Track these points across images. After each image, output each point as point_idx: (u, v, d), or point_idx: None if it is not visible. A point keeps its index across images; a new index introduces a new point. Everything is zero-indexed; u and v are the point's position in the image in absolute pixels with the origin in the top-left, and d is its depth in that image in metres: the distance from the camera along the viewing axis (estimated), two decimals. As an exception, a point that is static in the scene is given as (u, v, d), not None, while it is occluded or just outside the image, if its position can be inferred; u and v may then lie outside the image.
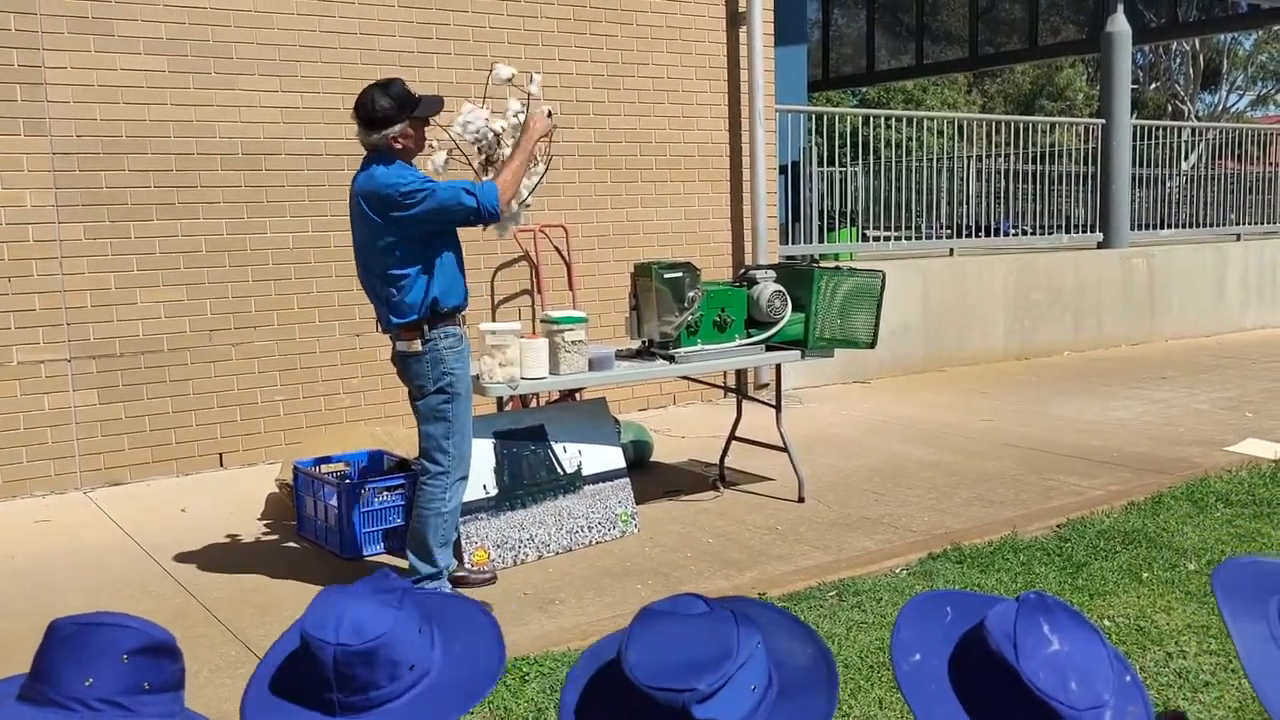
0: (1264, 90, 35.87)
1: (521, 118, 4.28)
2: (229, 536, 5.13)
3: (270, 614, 4.17)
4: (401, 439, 5.62)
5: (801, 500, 5.46)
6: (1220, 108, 34.20)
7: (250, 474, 6.24)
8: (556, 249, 7.37)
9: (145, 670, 1.31)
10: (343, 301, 6.68)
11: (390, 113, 3.89)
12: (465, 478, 4.18)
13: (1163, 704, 3.26)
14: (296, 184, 6.52)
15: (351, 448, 5.42)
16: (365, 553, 4.76)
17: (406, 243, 3.90)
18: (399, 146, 3.93)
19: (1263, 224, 12.64)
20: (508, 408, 5.18)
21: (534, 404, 5.72)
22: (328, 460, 5.22)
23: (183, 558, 4.84)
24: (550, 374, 4.73)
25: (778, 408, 5.57)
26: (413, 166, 4.00)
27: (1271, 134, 13.74)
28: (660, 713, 1.22)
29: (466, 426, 4.15)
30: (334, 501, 4.77)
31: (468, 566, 4.50)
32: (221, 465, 6.40)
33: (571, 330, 4.75)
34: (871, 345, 5.49)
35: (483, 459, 4.65)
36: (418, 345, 3.98)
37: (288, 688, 1.37)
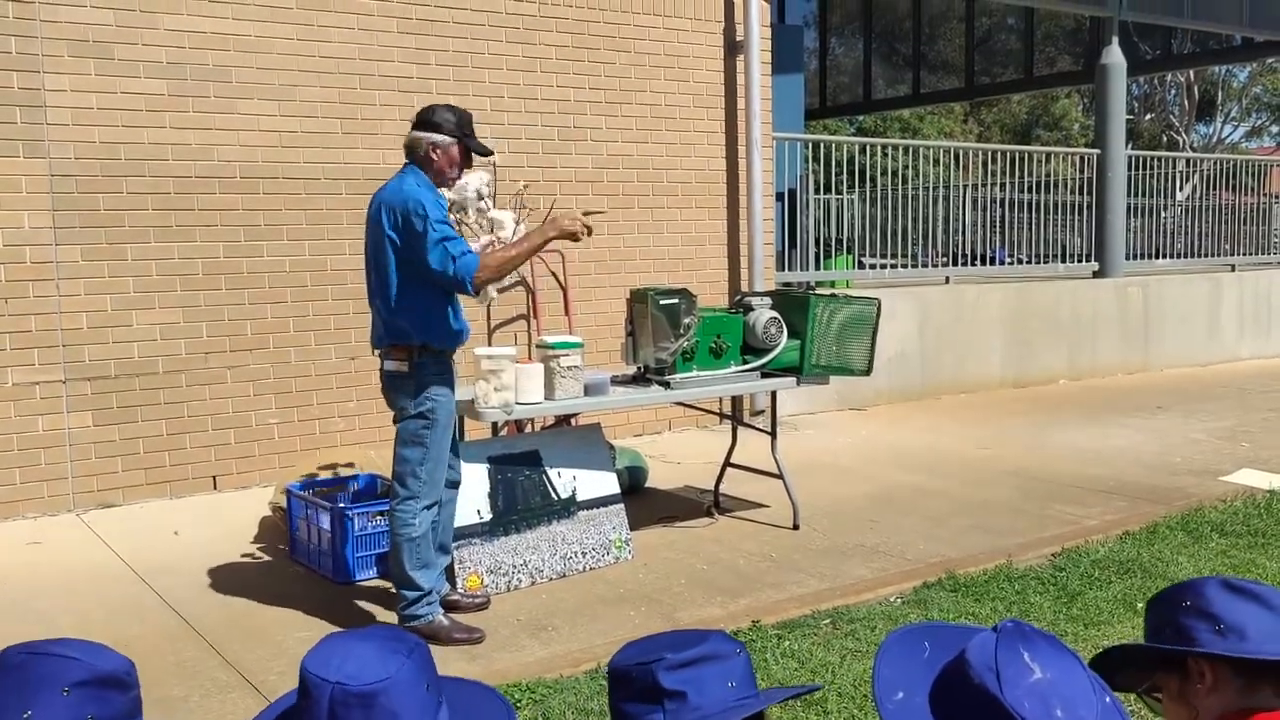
0: (1258, 122, 36.10)
1: (509, 230, 4.29)
2: (222, 560, 5.11)
3: (262, 638, 4.14)
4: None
5: (796, 527, 5.45)
6: (1215, 139, 34.40)
7: (244, 497, 6.22)
8: (553, 274, 7.38)
9: (88, 703, 1.27)
10: (338, 325, 6.69)
11: (447, 125, 3.97)
12: (433, 506, 4.10)
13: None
14: (294, 208, 6.54)
15: (345, 471, 5.40)
16: (357, 578, 4.74)
17: (411, 264, 3.89)
18: (434, 157, 3.97)
19: (1257, 254, 12.68)
20: (503, 433, 5.18)
21: (529, 429, 5.71)
22: (321, 484, 5.20)
23: (175, 581, 4.82)
24: (545, 399, 4.72)
25: (773, 434, 5.56)
26: (441, 194, 4.02)
27: (1266, 165, 13.81)
28: (635, 689, 1.31)
29: (442, 455, 4.10)
30: (327, 525, 4.75)
31: (460, 591, 4.48)
32: (215, 488, 6.38)
33: (567, 355, 4.75)
34: (867, 372, 5.50)
35: (477, 484, 4.64)
36: (405, 367, 3.98)
37: None
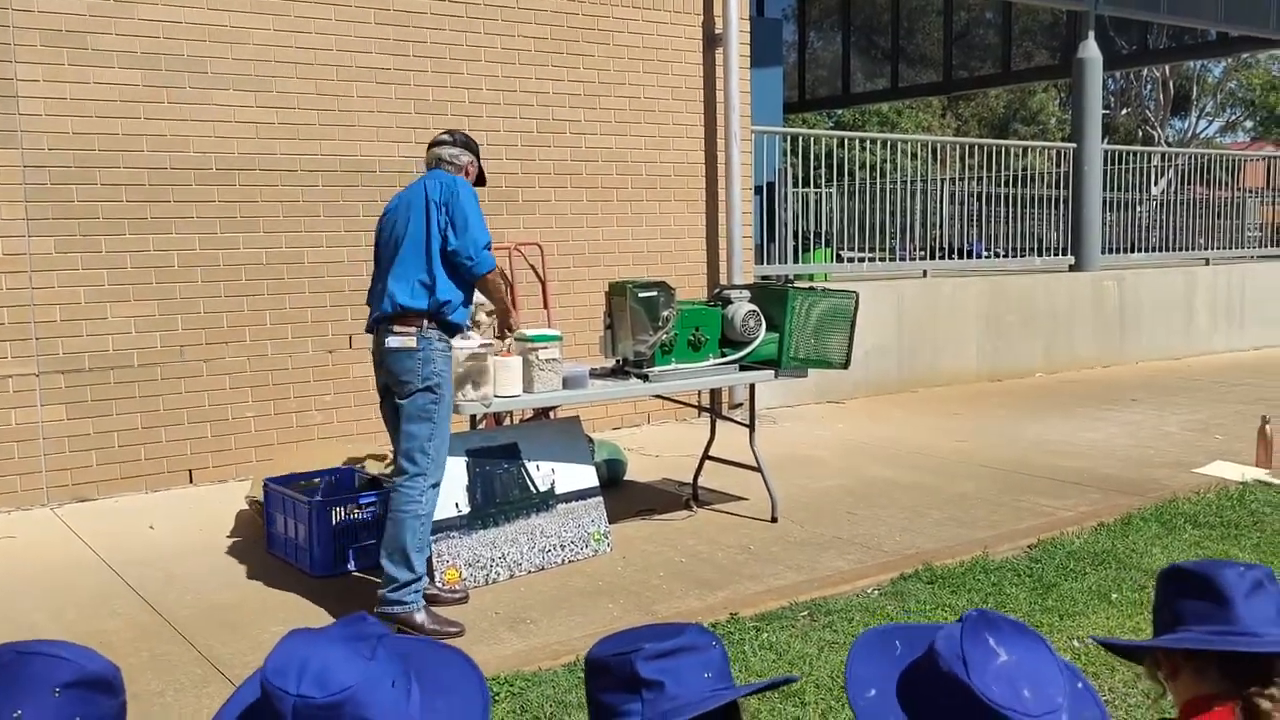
0: (1233, 117, 36.41)
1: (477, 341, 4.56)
2: (198, 554, 5.08)
3: (239, 632, 4.13)
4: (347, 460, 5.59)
5: (774, 520, 5.47)
6: (1190, 133, 34.66)
7: (220, 491, 6.18)
8: (531, 267, 7.36)
9: (77, 704, 1.25)
10: (316, 318, 6.65)
11: (475, 149, 4.51)
12: (438, 485, 4.20)
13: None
14: (270, 199, 6.50)
15: (323, 465, 5.38)
16: (336, 571, 4.72)
17: (444, 241, 4.13)
18: (469, 172, 4.42)
19: (1231, 248, 12.80)
20: (481, 426, 5.17)
21: (507, 422, 5.70)
22: (299, 477, 5.18)
23: (150, 575, 4.79)
24: (524, 392, 4.72)
25: (751, 427, 5.58)
26: None
27: (1240, 160, 13.93)
28: (614, 679, 1.33)
29: (447, 431, 4.19)
30: (305, 519, 4.74)
31: (439, 585, 4.47)
32: (191, 482, 6.34)
33: (546, 348, 4.74)
34: (845, 366, 5.51)
35: (455, 477, 4.63)
36: (412, 341, 4.08)
37: None
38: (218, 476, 6.40)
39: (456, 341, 4.31)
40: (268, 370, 6.54)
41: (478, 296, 4.53)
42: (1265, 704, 1.53)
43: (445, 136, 4.46)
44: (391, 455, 4.66)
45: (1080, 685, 1.40)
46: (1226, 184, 13.01)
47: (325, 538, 4.69)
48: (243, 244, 6.43)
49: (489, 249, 4.19)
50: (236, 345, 6.44)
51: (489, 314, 4.70)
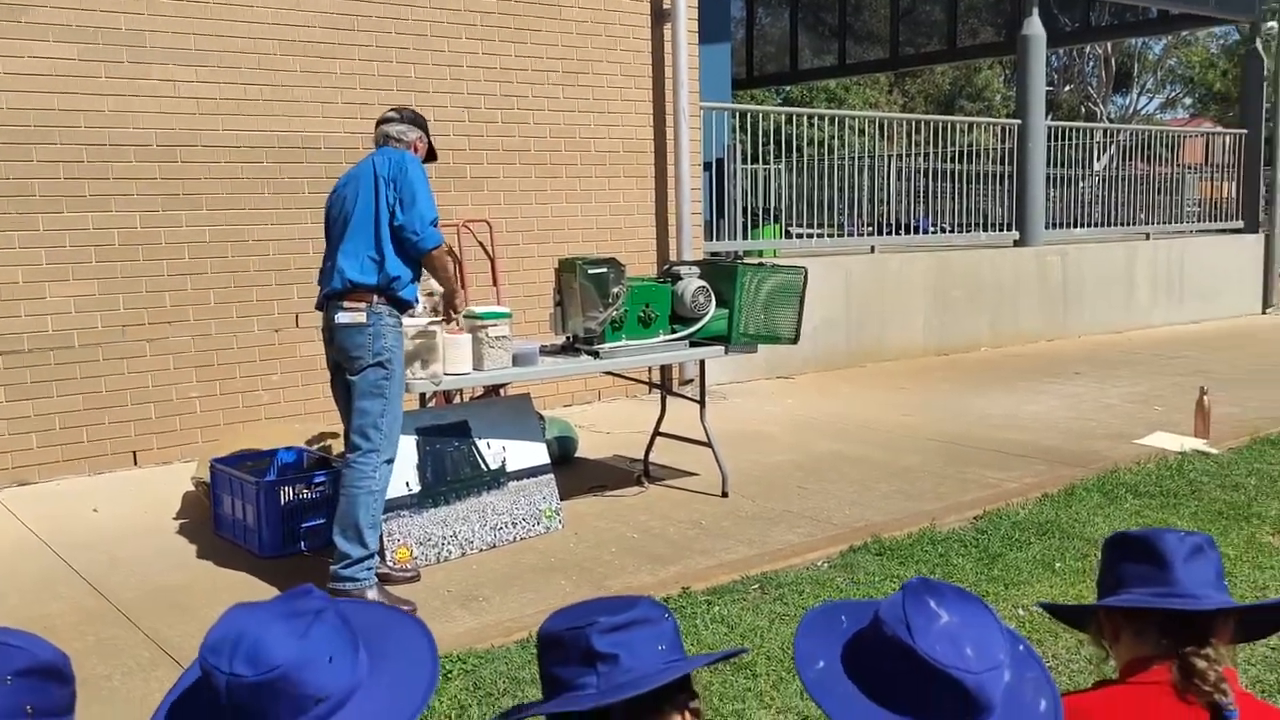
0: (1172, 94, 36.98)
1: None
2: (143, 536, 5.02)
3: (187, 614, 4.09)
4: (312, 438, 5.54)
5: (725, 495, 5.50)
6: (1131, 110, 35.17)
7: (165, 473, 6.10)
8: (480, 244, 7.32)
9: (26, 693, 1.23)
10: (261, 297, 6.57)
11: (424, 124, 4.49)
12: (392, 460, 4.19)
13: (1075, 689, 3.34)
14: (214, 176, 6.39)
15: (271, 445, 5.33)
16: (286, 552, 4.69)
17: (391, 230, 4.11)
18: (417, 148, 4.40)
19: (1170, 224, 13.02)
20: (431, 404, 5.14)
21: (457, 400, 5.68)
22: (246, 458, 5.12)
23: (94, 558, 4.72)
24: (474, 370, 4.70)
25: (701, 403, 5.60)
26: None
27: (1179, 136, 14.16)
28: (568, 653, 1.34)
29: (399, 407, 4.18)
30: (253, 499, 4.69)
31: (390, 564, 4.45)
32: (135, 464, 6.25)
33: (495, 326, 4.72)
34: (794, 341, 5.55)
35: (405, 455, 4.60)
36: (361, 316, 4.06)
37: (192, 716, 1.28)
38: (163, 458, 6.31)
39: (406, 319, 4.29)
40: (213, 350, 6.45)
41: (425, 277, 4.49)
42: (1201, 663, 1.58)
43: (392, 114, 4.43)
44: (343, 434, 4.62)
45: (1022, 648, 1.43)
46: (1166, 160, 13.22)
47: (274, 518, 4.65)
48: (185, 221, 6.33)
49: (436, 225, 4.17)
50: (180, 325, 6.34)
51: (429, 295, 4.66)
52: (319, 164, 6.64)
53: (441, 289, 4.50)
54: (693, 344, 5.35)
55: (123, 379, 6.18)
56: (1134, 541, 1.72)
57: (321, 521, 4.67)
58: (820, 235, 10.05)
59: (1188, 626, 1.62)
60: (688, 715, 1.42)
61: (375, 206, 4.11)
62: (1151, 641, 1.66)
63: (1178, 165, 13.47)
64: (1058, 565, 4.47)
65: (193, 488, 5.44)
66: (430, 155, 4.49)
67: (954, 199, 11.04)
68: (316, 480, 4.81)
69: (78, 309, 6.04)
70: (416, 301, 4.37)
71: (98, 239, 6.08)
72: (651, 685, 1.32)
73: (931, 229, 11.29)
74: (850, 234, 10.38)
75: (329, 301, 4.16)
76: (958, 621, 1.34)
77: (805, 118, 10.12)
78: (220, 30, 6.34)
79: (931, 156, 10.88)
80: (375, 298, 4.09)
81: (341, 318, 4.09)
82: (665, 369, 5.94)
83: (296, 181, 6.63)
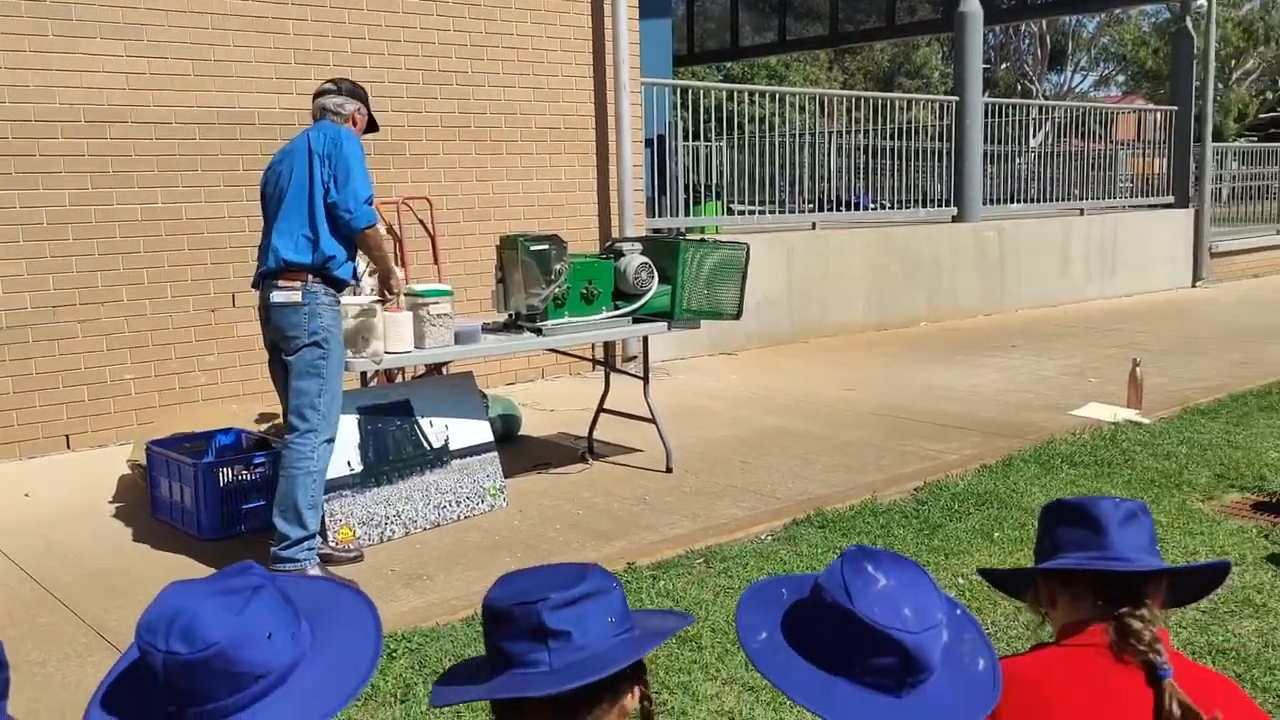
0: (1105, 71, 37.56)
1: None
2: (78, 520, 4.92)
3: (123, 598, 4.02)
4: (259, 418, 5.46)
5: (669, 470, 5.52)
6: (1065, 87, 35.69)
7: (100, 456, 5.98)
8: (420, 221, 7.23)
9: None
10: (196, 276, 6.45)
11: (363, 95, 4.40)
12: (332, 440, 4.16)
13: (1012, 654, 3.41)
14: (145, 153, 6.25)
15: (209, 427, 5.24)
16: (225, 534, 4.62)
17: (325, 208, 4.05)
18: (356, 120, 4.32)
19: (1104, 199, 13.25)
20: (372, 383, 5.09)
21: (399, 379, 5.63)
22: (184, 440, 5.04)
23: (27, 543, 4.62)
24: (415, 348, 4.66)
25: (645, 379, 5.61)
26: None
27: (1112, 113, 14.39)
28: (518, 628, 1.33)
29: (338, 387, 4.14)
30: (190, 481, 4.61)
31: (333, 544, 4.41)
32: (69, 447, 6.12)
33: (437, 303, 4.68)
34: (737, 317, 5.57)
35: (347, 435, 4.56)
36: (297, 296, 4.01)
37: (131, 695, 1.26)
38: (97, 441, 6.19)
39: (345, 297, 4.24)
40: (147, 331, 6.33)
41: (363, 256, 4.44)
42: (1136, 624, 1.62)
43: (330, 85, 4.35)
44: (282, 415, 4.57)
45: (959, 612, 1.46)
46: (1100, 137, 13.44)
47: (213, 500, 4.58)
48: (116, 199, 6.18)
49: (370, 203, 4.11)
50: (113, 305, 6.21)
51: (373, 273, 4.61)
52: (255, 140, 6.52)
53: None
54: (636, 320, 5.35)
55: (54, 360, 6.05)
56: (1070, 508, 1.75)
57: (262, 503, 4.60)
58: (762, 212, 10.09)
59: (1123, 589, 1.66)
60: (638, 690, 1.42)
61: (310, 184, 4.04)
62: (1087, 604, 1.69)
63: (1111, 142, 13.70)
64: (996, 535, 4.55)
65: (129, 471, 5.34)
66: (371, 126, 4.42)
67: (893, 175, 11.13)
68: (256, 461, 4.74)
69: (6, 290, 5.89)
70: (355, 280, 4.32)
71: (25, 218, 5.93)
72: (608, 671, 1.32)
73: (871, 205, 11.38)
74: (791, 211, 10.43)
75: (264, 280, 4.10)
76: (895, 584, 1.37)
77: (746, 94, 10.13)
78: (151, 3, 6.19)
79: (871, 133, 10.94)
80: (310, 277, 4.04)
81: (276, 297, 4.03)
82: (609, 346, 5.94)
83: (231, 158, 6.50)
